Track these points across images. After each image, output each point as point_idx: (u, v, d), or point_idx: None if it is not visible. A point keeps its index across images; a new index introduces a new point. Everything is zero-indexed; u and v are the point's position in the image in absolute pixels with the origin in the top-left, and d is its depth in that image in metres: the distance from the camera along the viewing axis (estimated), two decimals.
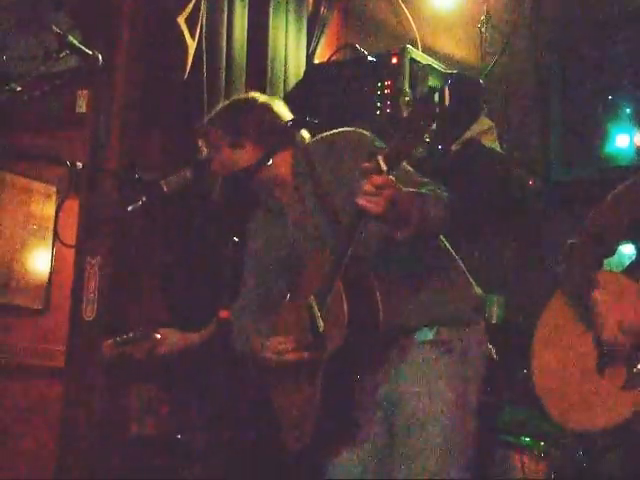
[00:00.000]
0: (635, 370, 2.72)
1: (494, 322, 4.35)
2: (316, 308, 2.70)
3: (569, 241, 3.03)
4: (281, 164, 2.94)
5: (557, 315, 3.01)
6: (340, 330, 2.61)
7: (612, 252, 3.01)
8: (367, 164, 2.47)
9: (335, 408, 2.76)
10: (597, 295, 2.82)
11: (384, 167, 2.43)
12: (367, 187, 2.44)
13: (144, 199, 3.18)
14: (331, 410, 2.74)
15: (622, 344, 2.74)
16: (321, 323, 2.68)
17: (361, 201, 2.46)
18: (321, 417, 2.73)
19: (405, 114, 2.53)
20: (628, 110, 4.30)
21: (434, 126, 2.44)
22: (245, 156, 2.95)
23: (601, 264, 2.97)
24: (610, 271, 2.96)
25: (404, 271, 2.78)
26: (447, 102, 2.48)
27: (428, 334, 2.79)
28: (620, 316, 2.75)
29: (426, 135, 2.50)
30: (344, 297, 2.61)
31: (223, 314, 3.20)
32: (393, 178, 2.45)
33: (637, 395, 2.70)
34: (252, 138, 2.94)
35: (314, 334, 2.71)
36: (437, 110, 2.44)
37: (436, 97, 2.46)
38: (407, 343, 2.78)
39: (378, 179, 2.43)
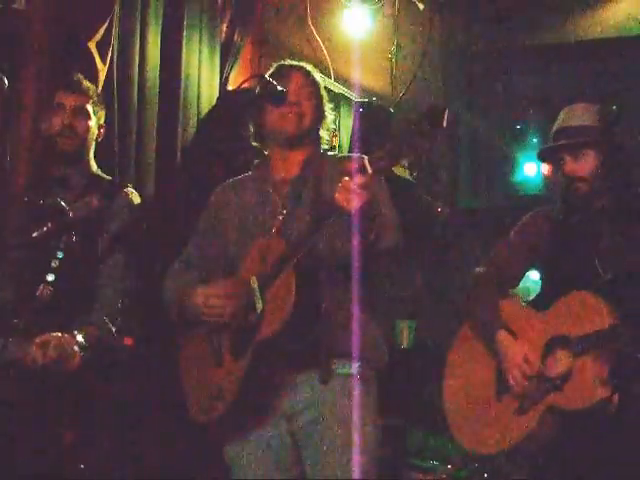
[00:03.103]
0: (530, 394, 2.74)
1: (404, 346, 4.39)
2: (257, 289, 2.61)
3: (476, 270, 3.04)
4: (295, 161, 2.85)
5: (465, 344, 3.01)
6: (281, 316, 2.52)
7: (516, 283, 3.04)
8: (354, 163, 2.42)
9: (250, 394, 2.63)
10: (501, 336, 2.84)
11: (369, 169, 2.37)
12: (349, 183, 2.39)
13: (49, 225, 2.92)
14: (246, 394, 2.62)
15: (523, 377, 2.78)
16: (260, 304, 2.59)
17: (338, 195, 2.40)
18: (236, 399, 2.62)
19: (404, 127, 2.47)
20: (535, 139, 4.34)
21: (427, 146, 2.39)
22: None
23: (505, 293, 2.99)
24: (515, 301, 2.98)
25: (347, 294, 2.68)
26: (445, 125, 2.36)
27: (349, 368, 2.68)
28: (521, 351, 2.78)
29: (419, 152, 2.46)
30: (294, 287, 2.52)
31: (127, 341, 3.15)
32: (373, 182, 2.42)
33: (528, 419, 2.73)
34: None
35: (249, 311, 2.61)
36: (436, 132, 2.36)
37: (440, 118, 2.36)
38: (329, 367, 2.68)
39: (362, 178, 2.37)
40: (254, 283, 2.62)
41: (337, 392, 2.65)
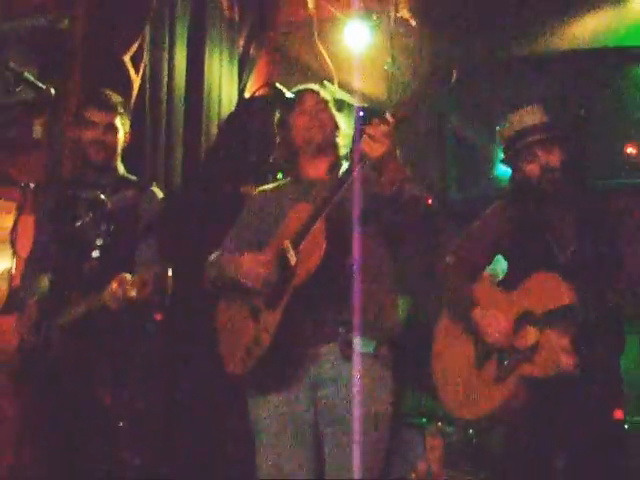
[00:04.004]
0: (504, 365, 2.83)
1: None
2: (289, 247, 2.66)
3: (446, 259, 3.10)
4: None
5: (447, 322, 3.09)
6: (312, 263, 2.58)
7: (482, 269, 3.09)
8: (377, 118, 2.49)
9: (282, 345, 2.67)
10: (475, 313, 2.92)
11: (391, 119, 2.45)
12: (372, 131, 2.47)
13: (90, 215, 3.13)
14: (279, 343, 2.66)
15: (507, 336, 2.85)
16: (293, 258, 2.64)
17: (363, 144, 2.49)
18: (270, 347, 2.65)
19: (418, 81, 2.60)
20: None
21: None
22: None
23: (475, 278, 3.05)
24: (486, 283, 3.06)
25: (376, 249, 2.75)
26: (454, 79, 2.50)
27: (369, 347, 2.72)
28: (495, 323, 2.87)
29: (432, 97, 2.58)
30: (324, 236, 2.60)
31: (157, 316, 3.28)
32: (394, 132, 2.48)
33: (504, 387, 2.81)
34: None
35: (284, 270, 2.66)
36: (448, 83, 2.48)
37: (453, 73, 2.49)
38: (349, 344, 2.70)
39: (384, 127, 2.45)
40: (287, 243, 2.67)
41: (357, 370, 2.66)
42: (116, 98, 3.39)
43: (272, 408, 2.75)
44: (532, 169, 2.95)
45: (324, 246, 2.58)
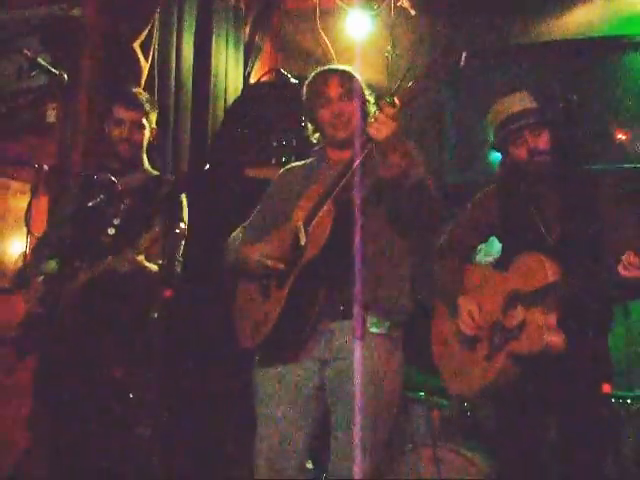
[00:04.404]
0: (494, 343, 2.88)
1: None
2: (302, 228, 2.67)
3: (440, 240, 3.14)
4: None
5: (440, 305, 3.16)
6: (320, 241, 2.59)
7: (475, 251, 3.17)
8: (383, 101, 2.45)
9: (291, 321, 2.68)
10: (461, 301, 2.99)
11: (397, 102, 2.41)
12: (379, 115, 2.43)
13: (102, 196, 3.22)
14: (287, 322, 2.66)
15: (479, 329, 2.91)
16: (303, 238, 2.65)
17: (369, 127, 2.46)
18: (279, 321, 2.67)
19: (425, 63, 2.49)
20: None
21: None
22: None
23: (467, 259, 3.11)
24: (479, 265, 3.13)
25: (382, 230, 2.74)
26: (462, 64, 2.46)
27: (380, 327, 2.73)
28: (478, 307, 2.93)
29: (439, 80, 2.49)
30: (332, 216, 2.61)
31: (167, 293, 3.21)
32: (400, 114, 2.44)
33: (494, 364, 2.86)
34: None
35: (295, 249, 2.67)
36: (453, 65, 2.44)
37: (463, 56, 2.44)
38: (362, 322, 2.69)
39: (390, 110, 2.42)
40: (300, 224, 2.69)
41: (368, 349, 2.66)
42: (144, 96, 3.43)
43: (275, 375, 2.74)
44: (520, 153, 2.96)
45: (330, 227, 2.59)
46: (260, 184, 3.31)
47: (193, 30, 4.50)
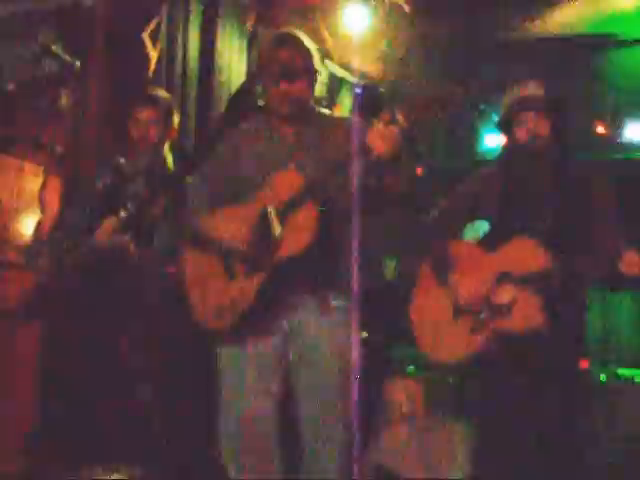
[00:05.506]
0: (479, 318, 2.90)
1: (388, 279, 4.64)
2: (274, 217, 2.52)
3: (430, 215, 3.15)
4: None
5: (426, 278, 3.11)
6: (301, 243, 2.46)
7: (463, 228, 3.12)
8: (386, 113, 2.34)
9: (258, 310, 2.57)
10: (454, 277, 2.98)
11: (403, 122, 2.30)
12: (382, 130, 2.32)
13: (109, 180, 3.25)
14: (255, 309, 2.56)
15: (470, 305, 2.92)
16: (278, 229, 2.50)
17: (369, 137, 2.34)
18: (246, 312, 2.55)
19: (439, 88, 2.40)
20: (495, 117, 4.39)
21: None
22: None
23: (456, 234, 3.10)
24: (468, 242, 3.11)
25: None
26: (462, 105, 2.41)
27: (341, 301, 2.67)
28: (468, 285, 2.93)
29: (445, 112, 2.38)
30: (315, 220, 2.47)
31: (171, 269, 3.21)
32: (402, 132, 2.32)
33: (480, 337, 2.88)
34: None
35: (265, 237, 2.53)
36: (466, 96, 2.42)
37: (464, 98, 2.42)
38: (327, 298, 2.64)
39: (394, 128, 2.31)
40: (272, 211, 2.54)
41: (332, 322, 2.63)
42: (163, 95, 3.40)
43: (239, 348, 2.64)
44: (521, 134, 2.98)
45: (314, 230, 2.46)
46: None
47: (199, 24, 4.49)
